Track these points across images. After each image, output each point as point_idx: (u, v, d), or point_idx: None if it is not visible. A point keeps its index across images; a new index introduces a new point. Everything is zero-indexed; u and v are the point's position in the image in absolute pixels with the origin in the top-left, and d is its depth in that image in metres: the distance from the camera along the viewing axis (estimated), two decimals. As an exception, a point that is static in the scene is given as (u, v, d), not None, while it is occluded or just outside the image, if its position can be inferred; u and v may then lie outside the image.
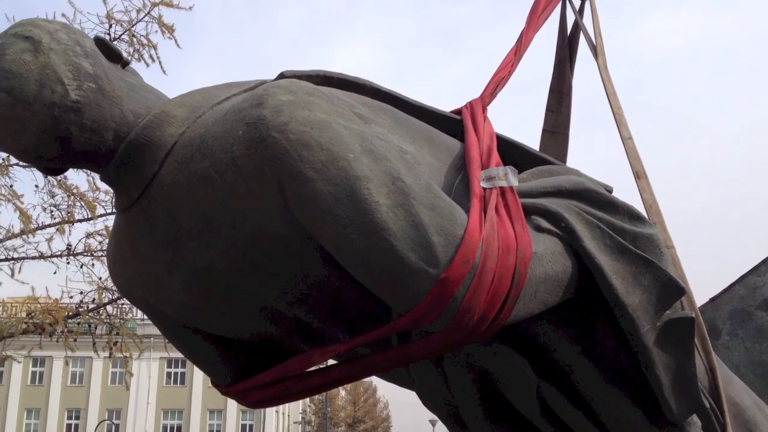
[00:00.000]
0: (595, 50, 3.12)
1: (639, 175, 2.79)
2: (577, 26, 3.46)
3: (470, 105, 2.42)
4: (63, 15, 9.91)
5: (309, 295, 1.99)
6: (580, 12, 3.45)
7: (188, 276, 1.98)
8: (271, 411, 56.33)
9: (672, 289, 2.05)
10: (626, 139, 2.82)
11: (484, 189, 1.97)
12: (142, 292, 2.13)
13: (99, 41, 2.00)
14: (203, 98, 2.02)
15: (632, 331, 2.01)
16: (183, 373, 55.28)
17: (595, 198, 2.14)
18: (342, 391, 65.43)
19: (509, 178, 2.02)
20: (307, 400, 65.45)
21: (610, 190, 2.31)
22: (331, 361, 2.14)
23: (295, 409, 64.09)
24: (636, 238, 2.09)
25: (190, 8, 9.90)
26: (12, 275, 10.22)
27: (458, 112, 2.42)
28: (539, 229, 1.99)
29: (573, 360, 2.10)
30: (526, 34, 2.86)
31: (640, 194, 2.73)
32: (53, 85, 1.83)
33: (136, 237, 2.03)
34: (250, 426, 56.77)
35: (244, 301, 2.02)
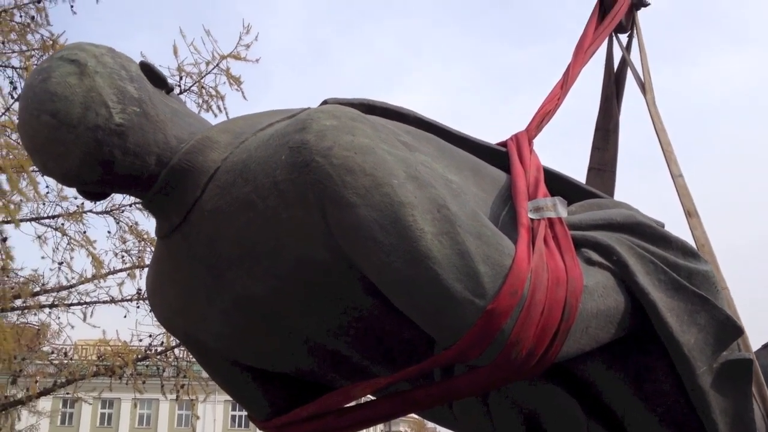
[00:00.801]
0: (644, 87, 3.10)
1: (690, 213, 2.73)
2: (624, 63, 3.42)
3: (516, 137, 2.38)
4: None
5: (350, 326, 1.93)
6: (627, 48, 3.42)
7: (228, 305, 1.95)
8: None
9: (729, 328, 1.99)
10: (677, 177, 2.77)
11: (532, 220, 1.92)
12: (182, 321, 2.10)
13: (144, 66, 1.99)
14: (246, 124, 2.00)
15: (687, 372, 1.94)
16: (247, 417, 55.32)
17: (647, 232, 2.09)
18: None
19: (558, 209, 1.98)
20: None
21: (662, 225, 2.24)
22: (370, 397, 2.10)
23: None
24: (690, 274, 2.02)
25: (257, 60, 10.17)
26: (84, 319, 10.47)
27: (504, 144, 2.39)
28: (590, 262, 1.93)
29: (625, 401, 2.02)
30: (573, 68, 2.83)
31: (692, 232, 2.68)
32: (98, 107, 1.82)
33: (175, 264, 2.01)
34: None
35: (283, 333, 1.97)
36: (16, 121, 2.09)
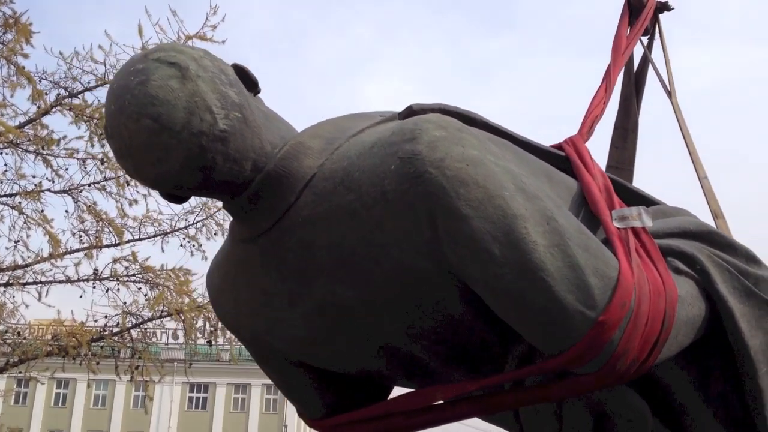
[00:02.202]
0: (669, 91, 3.12)
1: (717, 214, 2.79)
2: (645, 62, 3.46)
3: (572, 141, 2.39)
4: (100, 47, 10.16)
5: (434, 330, 1.93)
6: (649, 47, 3.47)
7: (312, 310, 1.94)
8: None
9: None
10: (703, 179, 2.83)
11: (619, 229, 1.94)
12: (251, 322, 2.10)
13: (238, 69, 1.95)
14: (335, 129, 1.99)
15: (751, 373, 2.02)
16: (205, 398, 55.21)
17: (717, 240, 2.16)
18: None
19: (643, 218, 1.99)
20: None
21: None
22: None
23: None
24: (758, 280, 2.10)
25: (223, 42, 10.08)
26: (39, 298, 10.38)
27: (558, 147, 2.40)
28: (678, 271, 1.98)
29: (689, 400, 2.10)
30: (614, 71, 2.87)
31: None
32: (202, 113, 1.78)
33: (257, 268, 1.99)
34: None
35: (362, 336, 1.98)
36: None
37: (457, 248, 1.72)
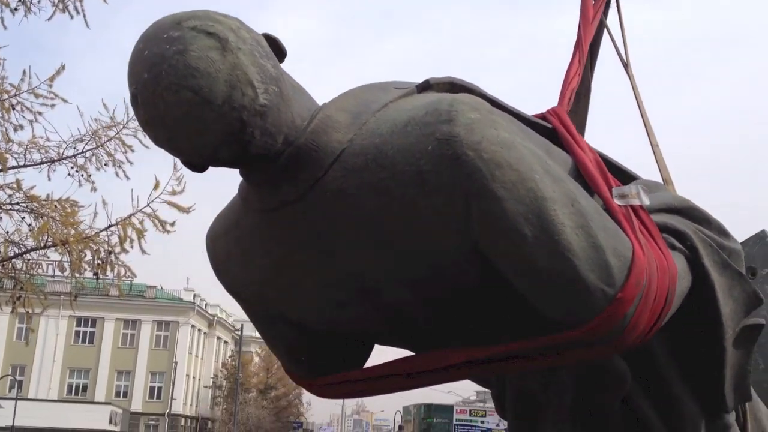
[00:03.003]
0: (625, 62, 3.17)
1: (666, 181, 2.91)
2: (600, 27, 3.46)
3: (555, 113, 2.46)
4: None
5: (447, 300, 2.02)
6: (605, 13, 3.48)
7: (330, 279, 2.02)
8: (181, 374, 55.89)
9: (754, 300, 2.31)
10: (655, 147, 2.97)
11: (621, 207, 2.06)
12: (260, 287, 2.16)
13: (270, 39, 1.94)
14: (358, 103, 2.00)
15: (720, 336, 2.24)
16: (92, 333, 54.26)
17: (696, 215, 2.32)
18: (256, 358, 65.27)
19: (641, 196, 2.11)
20: (219, 364, 65.15)
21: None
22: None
23: (207, 373, 63.64)
24: (730, 252, 2.29)
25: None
26: None
27: (541, 117, 2.47)
28: (672, 247, 2.13)
29: (665, 359, 2.32)
30: (584, 42, 2.94)
31: None
32: (243, 87, 1.77)
33: (275, 237, 2.03)
34: (159, 388, 56.14)
35: (375, 303, 2.06)
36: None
37: (489, 228, 1.81)
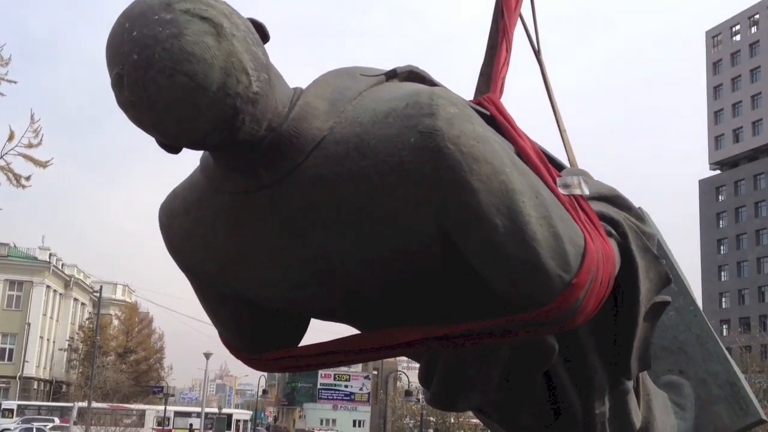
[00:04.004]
0: (537, 48, 3.17)
1: (573, 164, 2.96)
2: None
3: (491, 100, 2.51)
4: None
5: (407, 281, 2.09)
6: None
7: (296, 261, 2.07)
8: (34, 336, 54.00)
9: (665, 280, 2.55)
10: (564, 131, 3.05)
11: (567, 197, 2.16)
12: (219, 267, 2.17)
13: (255, 24, 1.94)
14: (333, 90, 2.04)
15: (636, 313, 2.46)
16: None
17: (621, 203, 2.52)
18: (115, 321, 63.39)
19: (583, 187, 2.23)
20: (76, 326, 62.83)
21: None
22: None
23: (62, 335, 61.29)
24: (649, 238, 2.49)
25: None
26: None
27: (476, 103, 2.50)
28: (609, 234, 2.28)
29: (586, 334, 2.49)
30: (509, 30, 2.98)
31: None
32: (239, 74, 1.78)
33: (245, 219, 2.05)
34: (11, 350, 53.92)
35: (337, 284, 2.12)
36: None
37: (463, 218, 1.93)
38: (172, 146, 1.94)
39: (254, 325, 2.33)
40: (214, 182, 2.06)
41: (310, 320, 2.43)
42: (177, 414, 52.97)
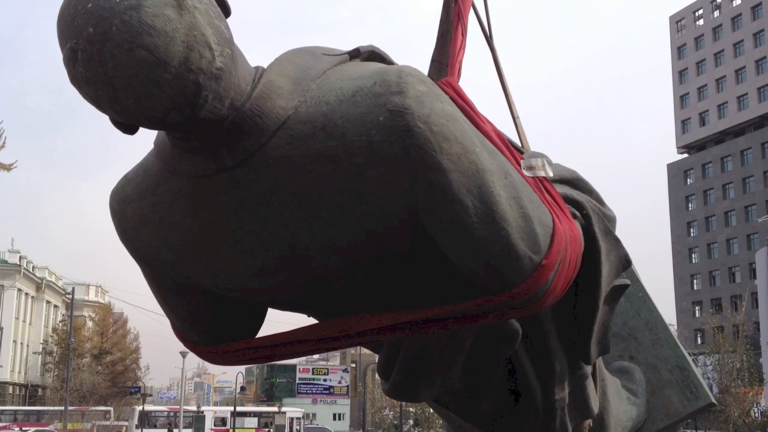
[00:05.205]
0: (489, 34, 3.17)
1: (526, 150, 2.95)
2: None
3: (449, 84, 2.39)
4: None
5: (372, 266, 2.05)
6: None
7: (257, 246, 2.00)
8: (7, 339, 53.42)
9: (625, 263, 2.56)
10: (516, 118, 3.05)
11: (533, 179, 2.14)
12: (175, 254, 2.09)
13: None
14: (295, 68, 1.97)
15: (596, 296, 2.45)
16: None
17: (582, 186, 2.54)
18: (89, 322, 62.77)
19: (547, 169, 2.21)
20: (50, 329, 62.14)
21: None
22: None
23: (36, 338, 60.58)
24: (610, 220, 2.51)
25: None
26: None
27: None
28: (574, 216, 2.29)
29: (548, 318, 2.49)
30: (464, 14, 2.91)
31: None
32: (201, 49, 1.69)
33: (204, 203, 1.97)
34: (-18, 357, 52.94)
35: (300, 271, 2.06)
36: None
37: (433, 198, 1.88)
38: (128, 125, 1.82)
39: (211, 316, 2.24)
40: (170, 165, 1.97)
41: (267, 311, 2.37)
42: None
